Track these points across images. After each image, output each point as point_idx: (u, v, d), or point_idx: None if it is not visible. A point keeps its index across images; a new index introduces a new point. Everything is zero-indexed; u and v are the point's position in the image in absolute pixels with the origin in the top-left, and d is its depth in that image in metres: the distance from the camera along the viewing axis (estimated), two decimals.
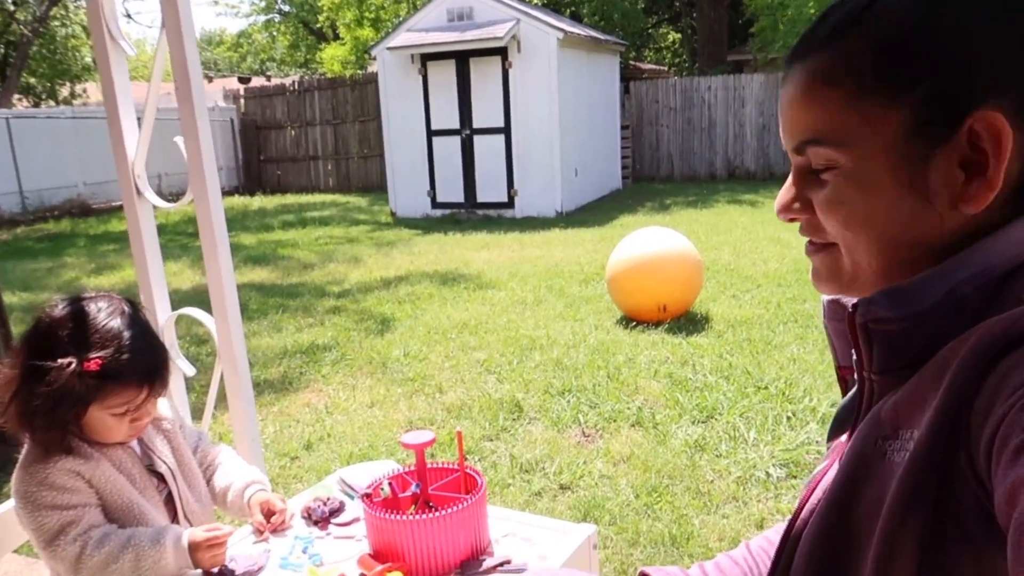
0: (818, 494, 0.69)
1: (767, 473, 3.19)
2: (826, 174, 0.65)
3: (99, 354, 1.32)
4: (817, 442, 3.43)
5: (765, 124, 14.65)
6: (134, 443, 1.48)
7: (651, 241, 5.57)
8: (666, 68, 23.56)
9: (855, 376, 0.74)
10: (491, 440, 3.70)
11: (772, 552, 0.91)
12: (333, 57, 20.53)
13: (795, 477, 3.15)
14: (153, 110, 1.80)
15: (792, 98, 0.65)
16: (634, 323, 5.49)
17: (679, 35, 25.13)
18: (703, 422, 3.77)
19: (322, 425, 4.04)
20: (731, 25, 19.25)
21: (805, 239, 0.72)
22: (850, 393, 0.76)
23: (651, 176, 15.50)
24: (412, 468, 1.44)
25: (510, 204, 11.86)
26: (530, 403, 4.15)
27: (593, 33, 13.53)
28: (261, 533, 1.48)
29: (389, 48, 11.58)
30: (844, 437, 0.74)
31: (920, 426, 0.56)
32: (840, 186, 0.64)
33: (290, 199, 15.65)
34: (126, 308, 1.43)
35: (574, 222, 10.83)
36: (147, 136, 1.83)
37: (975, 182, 0.59)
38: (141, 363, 1.37)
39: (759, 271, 6.99)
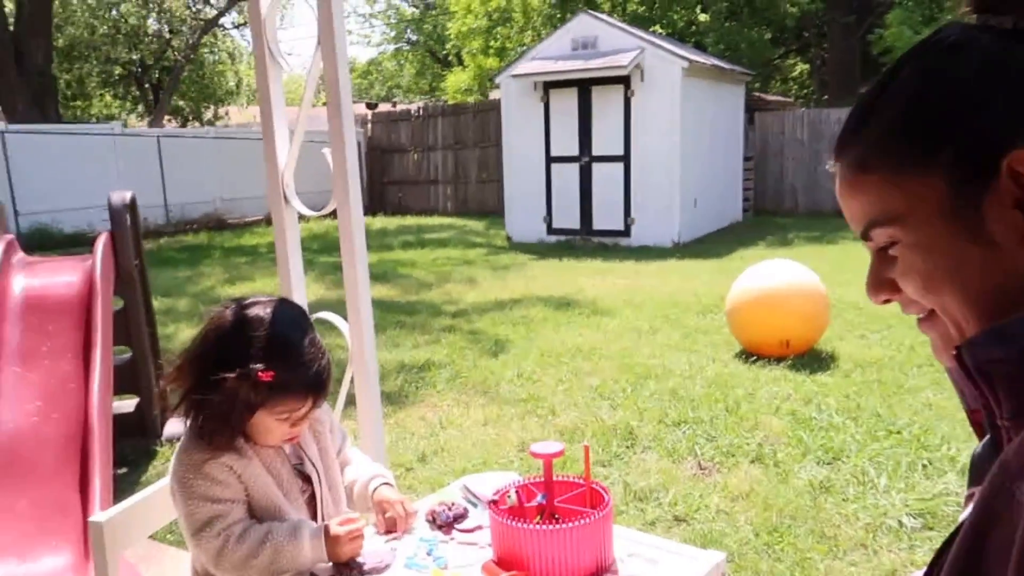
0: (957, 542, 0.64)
1: (900, 522, 2.99)
2: (893, 250, 0.68)
3: (272, 365, 1.35)
4: (957, 493, 3.18)
5: None
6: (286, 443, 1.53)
7: (775, 273, 5.39)
8: (792, 99, 22.90)
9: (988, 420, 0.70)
10: (604, 466, 3.64)
11: None
12: (456, 84, 21.15)
13: (931, 528, 2.94)
14: (304, 121, 1.90)
15: (841, 192, 0.71)
16: (754, 357, 5.31)
17: (807, 66, 24.40)
18: (828, 463, 3.58)
19: (436, 439, 4.10)
20: (864, 56, 18.51)
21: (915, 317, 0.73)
22: (985, 439, 0.72)
23: (773, 209, 15.04)
24: (537, 479, 1.43)
25: (626, 232, 11.77)
26: (644, 431, 4.07)
27: (718, 63, 13.34)
28: (387, 532, 1.51)
29: (513, 75, 11.82)
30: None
31: None
32: (908, 257, 0.66)
33: (410, 220, 16.14)
34: (296, 315, 1.48)
35: (691, 253, 10.64)
36: (297, 146, 1.94)
37: None
38: (310, 374, 1.40)
39: (889, 311, 6.57)
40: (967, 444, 3.69)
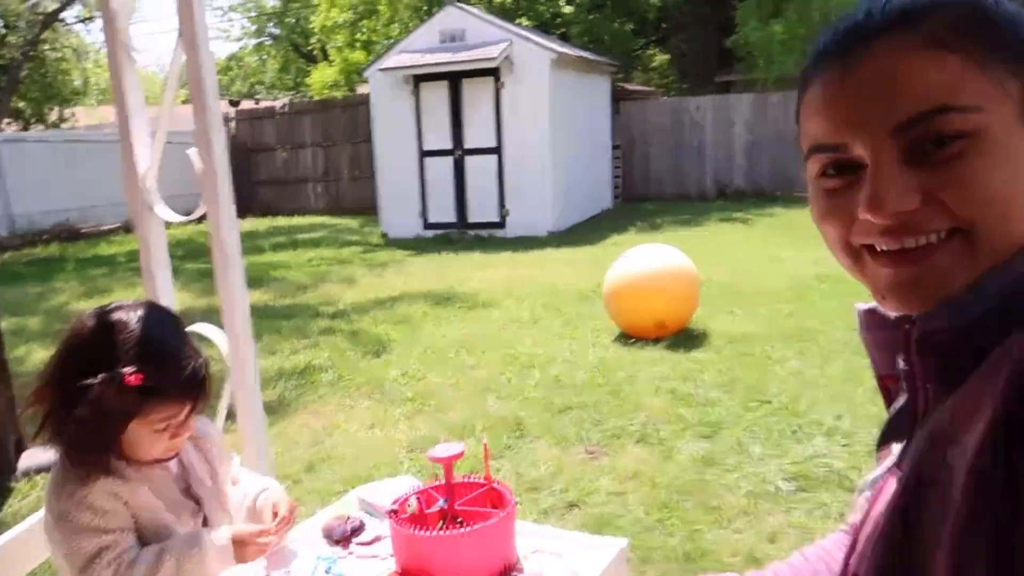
0: (879, 506, 0.66)
1: (776, 487, 3.16)
2: (952, 147, 0.58)
3: (142, 367, 1.24)
4: (825, 455, 3.40)
5: (754, 143, 14.75)
6: (172, 464, 1.42)
7: (649, 258, 5.57)
8: (654, 89, 23.78)
9: (901, 385, 0.72)
10: (495, 459, 3.65)
11: (831, 560, 0.88)
12: (322, 79, 20.59)
13: (805, 490, 3.13)
14: (167, 121, 1.78)
15: (887, 74, 0.59)
16: (632, 340, 5.47)
17: (667, 56, 25.38)
18: (708, 437, 3.74)
19: (322, 447, 3.98)
20: (719, 47, 19.46)
21: (885, 252, 0.63)
22: (899, 402, 0.73)
23: (642, 195, 15.56)
24: (438, 483, 1.40)
25: (502, 224, 11.86)
26: (532, 421, 4.11)
27: (584, 54, 13.64)
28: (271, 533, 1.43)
29: (382, 69, 11.63)
30: (895, 446, 0.72)
31: (980, 431, 0.54)
32: (982, 154, 0.57)
33: (281, 221, 15.60)
34: (164, 316, 1.37)
35: (566, 241, 10.84)
36: (159, 147, 1.81)
37: None
38: (185, 375, 1.29)
39: (754, 287, 6.99)
40: (831, 408, 3.96)
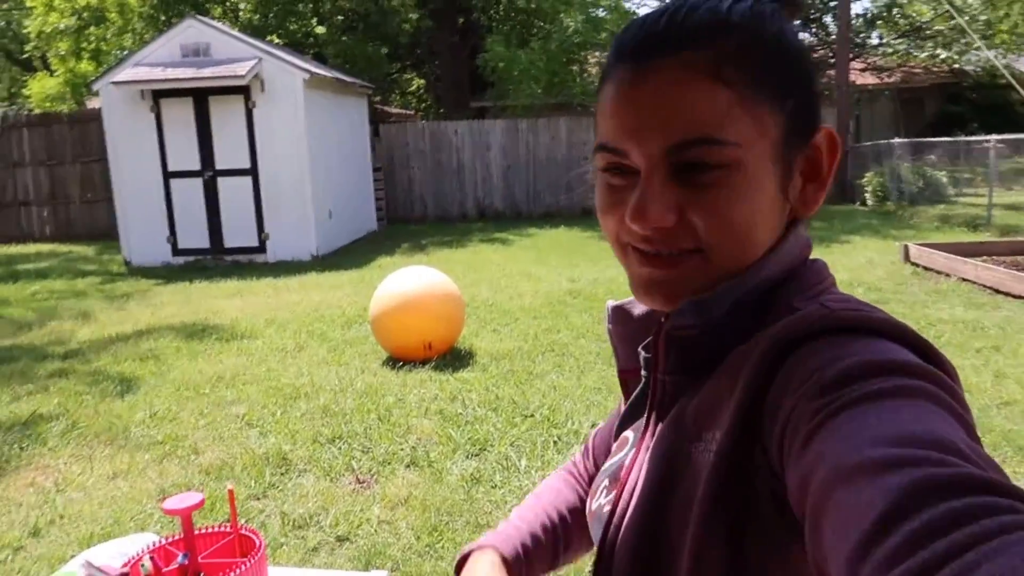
0: (626, 496, 0.70)
1: None
2: (708, 175, 0.62)
3: None
4: None
5: (509, 166, 15.44)
6: None
7: (412, 279, 5.59)
8: (413, 112, 24.07)
9: (641, 375, 0.78)
10: (258, 499, 3.44)
11: (560, 496, 0.96)
12: (43, 90, 18.39)
13: None
14: None
15: (668, 94, 0.62)
16: (400, 363, 5.45)
17: (423, 81, 25.83)
18: (476, 455, 3.80)
19: (52, 506, 3.51)
20: (472, 74, 20.17)
21: (643, 253, 0.67)
22: (635, 391, 0.80)
23: (406, 217, 15.64)
24: (176, 537, 1.27)
25: (262, 249, 11.31)
26: (298, 454, 3.93)
27: (339, 75, 13.46)
28: None
29: (115, 83, 10.61)
30: (630, 433, 0.78)
31: (721, 426, 0.60)
32: (731, 186, 0.62)
33: None
34: None
35: (331, 265, 10.59)
36: None
37: (809, 188, 0.68)
38: None
39: (515, 305, 7.28)
40: (586, 417, 4.21)
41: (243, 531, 1.27)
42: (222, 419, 4.54)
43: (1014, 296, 6.68)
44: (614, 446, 0.81)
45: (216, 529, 1.28)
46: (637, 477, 0.69)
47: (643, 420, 0.75)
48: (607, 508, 0.73)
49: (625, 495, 0.70)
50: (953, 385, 0.53)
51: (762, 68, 0.62)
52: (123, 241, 11.42)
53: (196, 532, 1.26)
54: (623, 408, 0.87)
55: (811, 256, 0.70)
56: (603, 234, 0.71)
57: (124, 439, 4.31)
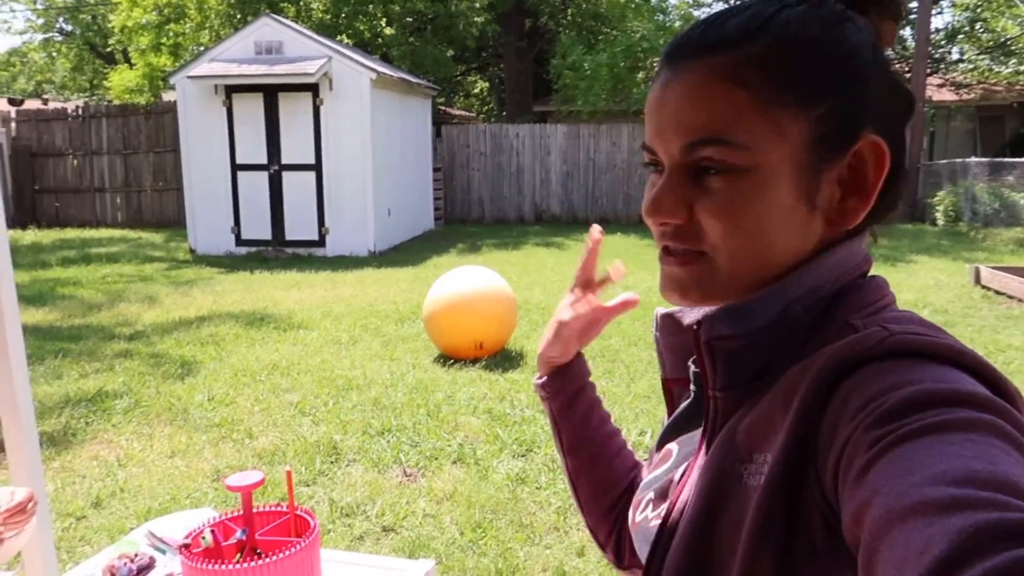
0: (675, 515, 0.68)
1: None
2: (718, 177, 0.63)
3: None
4: None
5: (569, 172, 15.44)
6: None
7: (467, 280, 5.64)
8: (475, 114, 24.27)
9: (690, 388, 0.76)
10: (308, 485, 3.52)
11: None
12: (123, 83, 19.09)
13: None
14: None
15: (687, 94, 0.63)
16: (451, 361, 5.50)
17: (487, 84, 26.01)
18: (523, 456, 3.82)
19: (113, 479, 3.65)
20: (536, 78, 20.24)
21: (665, 249, 0.68)
22: (683, 404, 0.78)
23: (462, 218, 15.78)
24: (236, 513, 1.32)
25: (321, 243, 11.55)
26: (348, 444, 4.00)
27: (405, 76, 13.66)
28: None
29: (191, 77, 10.98)
30: (675, 446, 0.76)
31: (773, 450, 0.58)
32: (739, 189, 0.62)
33: (71, 233, 14.23)
34: None
35: (387, 262, 10.74)
36: None
37: (851, 200, 0.64)
38: None
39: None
40: (635, 425, 4.18)
41: (299, 512, 1.31)
42: (277, 406, 4.65)
43: None
44: (656, 457, 0.79)
45: (273, 508, 1.33)
46: (687, 497, 0.67)
47: (693, 435, 0.73)
48: (654, 523, 0.72)
49: (675, 514, 0.68)
50: (1022, 419, 0.50)
51: (788, 71, 0.61)
52: (190, 229, 11.79)
53: (254, 511, 1.30)
54: (666, 419, 0.87)
55: (871, 274, 0.68)
56: None
57: (183, 420, 4.45)
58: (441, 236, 13.79)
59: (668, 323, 0.79)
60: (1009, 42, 19.58)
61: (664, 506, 0.72)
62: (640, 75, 16.07)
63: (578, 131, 15.38)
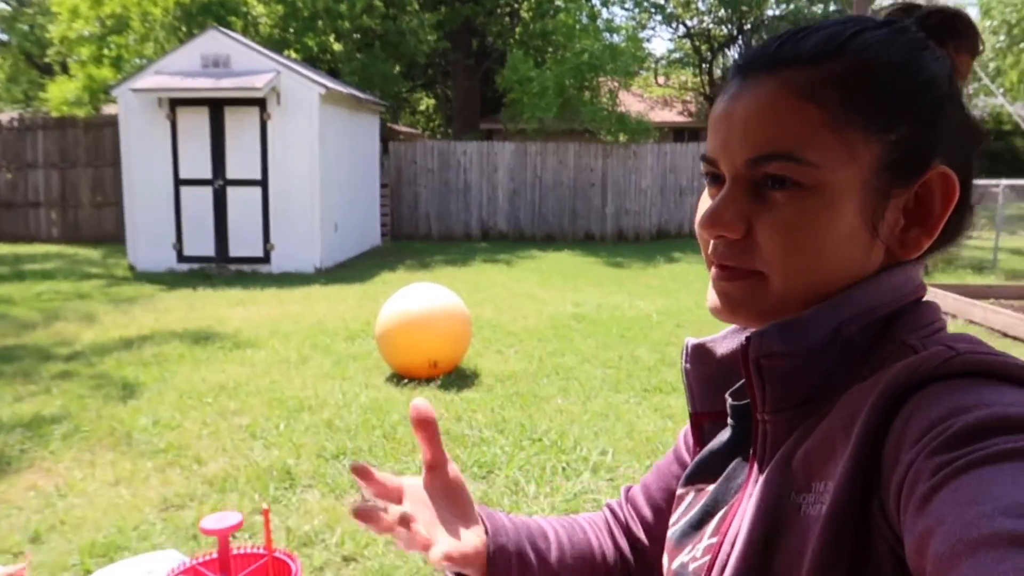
0: (726, 549, 0.65)
1: None
2: (782, 193, 0.61)
3: None
4: (592, 491, 3.57)
5: (516, 189, 15.51)
6: None
7: (420, 297, 5.58)
8: (420, 131, 24.21)
9: (720, 421, 0.74)
10: (260, 515, 3.40)
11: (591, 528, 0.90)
12: (61, 94, 18.44)
13: None
14: None
15: (758, 107, 0.62)
16: (405, 380, 5.43)
17: (433, 100, 25.99)
18: (483, 478, 3.77)
19: (53, 511, 3.47)
20: (483, 96, 20.30)
21: (717, 265, 0.67)
22: (717, 438, 0.75)
23: (410, 234, 15.68)
24: (207, 557, 1.26)
25: (266, 259, 11.32)
26: (302, 469, 3.90)
27: (354, 91, 13.55)
28: None
29: (134, 89, 10.68)
30: (711, 486, 0.73)
31: (834, 477, 0.56)
32: (803, 208, 0.61)
33: (3, 249, 13.63)
34: None
35: (334, 278, 10.58)
36: None
37: (914, 230, 0.63)
38: None
39: (520, 326, 7.27)
40: (595, 444, 4.18)
41: (277, 554, 1.25)
42: (226, 429, 4.51)
43: (1023, 341, 6.67)
44: (688, 498, 0.75)
45: (250, 550, 1.27)
46: (738, 529, 0.64)
47: (736, 468, 0.70)
48: (695, 564, 0.68)
49: (725, 547, 0.65)
50: None
51: (865, 93, 0.60)
52: (129, 245, 11.43)
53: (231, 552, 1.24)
54: (687, 454, 0.83)
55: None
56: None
57: (127, 445, 4.28)
58: (388, 252, 13.66)
59: (700, 353, 0.77)
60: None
61: (706, 542, 0.69)
62: (587, 94, 16.27)
63: (525, 149, 15.47)
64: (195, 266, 11.23)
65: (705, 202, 0.70)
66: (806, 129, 0.60)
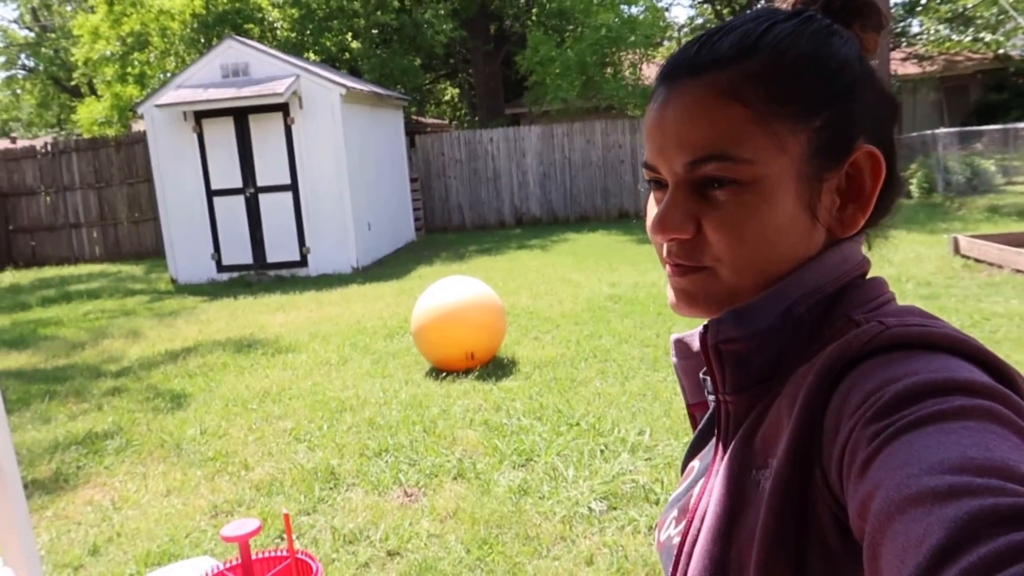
0: (696, 525, 0.69)
1: (589, 508, 3.26)
2: (723, 191, 0.64)
3: None
4: (631, 471, 3.56)
5: (545, 172, 15.44)
6: None
7: (454, 290, 5.60)
8: (447, 122, 24.22)
9: (709, 405, 0.77)
10: (308, 514, 3.47)
11: None
12: (91, 116, 18.89)
13: (615, 508, 3.25)
14: None
15: (687, 112, 0.65)
16: (444, 374, 5.47)
17: (457, 90, 25.98)
18: (523, 466, 3.79)
19: (109, 524, 3.59)
20: (505, 81, 20.23)
21: (672, 262, 0.69)
22: (703, 420, 0.79)
23: (443, 226, 15.74)
24: (234, 562, 1.29)
25: (303, 262, 11.48)
26: (346, 468, 3.96)
27: (375, 89, 13.61)
28: None
29: (158, 105, 10.88)
30: (697, 462, 0.77)
31: (781, 452, 0.59)
32: (744, 202, 0.63)
33: (49, 272, 14.07)
34: None
35: (372, 276, 10.69)
36: None
37: (850, 208, 0.66)
38: None
39: (556, 312, 7.26)
40: (632, 425, 4.17)
41: (299, 555, 1.28)
42: (270, 434, 4.60)
43: None
44: (682, 477, 0.81)
45: (273, 553, 1.29)
46: (706, 505, 0.68)
47: (711, 447, 0.73)
48: (676, 539, 0.72)
49: (695, 524, 0.68)
50: (1021, 403, 0.51)
51: (784, 86, 0.63)
52: (169, 259, 11.68)
53: (253, 556, 1.27)
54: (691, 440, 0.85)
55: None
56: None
57: (176, 456, 4.39)
58: (423, 246, 13.74)
59: (681, 348, 0.81)
60: (966, 11, 19.80)
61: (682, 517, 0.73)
62: (609, 70, 16.10)
63: (552, 131, 15.38)
64: (235, 275, 11.43)
65: (651, 206, 0.72)
66: (735, 128, 0.63)
